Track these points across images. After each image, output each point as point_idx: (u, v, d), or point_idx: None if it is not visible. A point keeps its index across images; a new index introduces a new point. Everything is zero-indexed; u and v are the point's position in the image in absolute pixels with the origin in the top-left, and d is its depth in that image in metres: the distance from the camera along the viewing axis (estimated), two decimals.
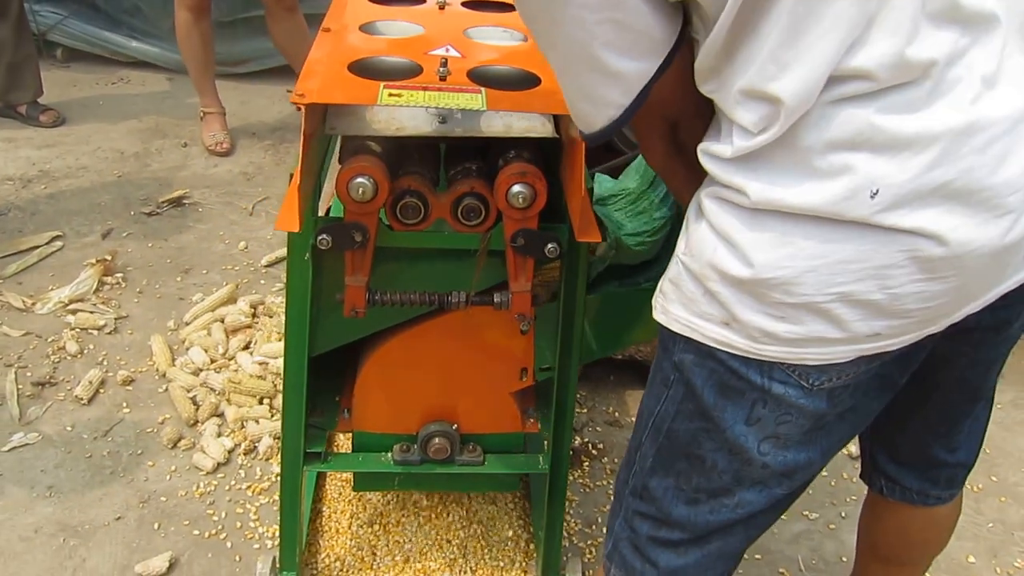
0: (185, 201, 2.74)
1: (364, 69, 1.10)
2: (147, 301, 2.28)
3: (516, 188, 1.05)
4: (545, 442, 1.40)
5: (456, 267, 1.17)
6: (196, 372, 2.00)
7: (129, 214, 2.66)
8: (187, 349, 2.08)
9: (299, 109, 0.99)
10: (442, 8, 1.38)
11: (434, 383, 1.33)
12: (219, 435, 1.85)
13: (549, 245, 1.09)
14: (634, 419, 2.04)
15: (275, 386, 1.95)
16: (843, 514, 1.86)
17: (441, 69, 1.08)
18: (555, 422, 1.33)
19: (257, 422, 1.87)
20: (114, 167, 2.92)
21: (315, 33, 1.28)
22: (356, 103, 1.00)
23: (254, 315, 2.16)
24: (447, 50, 1.17)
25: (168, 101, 3.42)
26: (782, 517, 1.83)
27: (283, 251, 2.49)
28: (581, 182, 0.98)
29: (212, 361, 2.03)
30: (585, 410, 2.01)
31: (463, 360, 1.30)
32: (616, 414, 2.03)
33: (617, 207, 1.30)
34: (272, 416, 1.89)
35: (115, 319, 2.18)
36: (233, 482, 1.78)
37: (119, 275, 2.35)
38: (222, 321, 2.15)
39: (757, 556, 1.72)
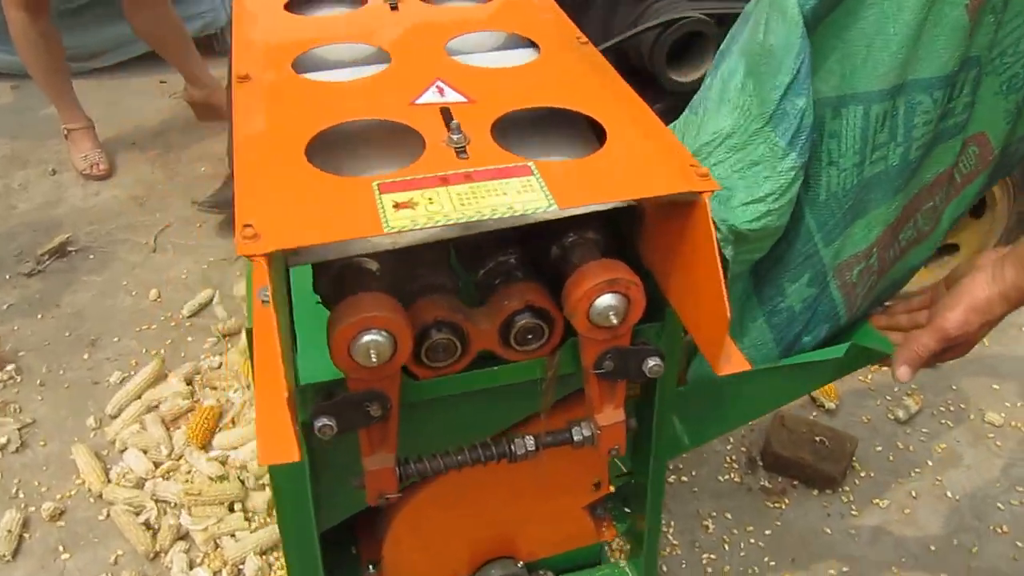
0: (70, 248, 2.22)
1: (333, 153, 0.69)
2: (53, 395, 1.81)
3: (604, 302, 0.69)
4: (626, 548, 1.10)
5: (513, 399, 0.82)
6: (139, 484, 1.59)
7: (5, 278, 2.13)
8: (121, 452, 1.66)
9: (250, 259, 0.60)
10: (395, 8, 0.95)
11: (487, 518, 0.99)
12: (191, 566, 1.47)
13: (651, 364, 0.75)
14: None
15: (244, 484, 1.56)
16: (913, 493, 1.65)
17: (454, 136, 0.69)
18: (648, 535, 1.02)
19: (234, 537, 1.50)
20: None
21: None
22: (348, 238, 0.61)
23: (193, 393, 1.74)
24: (440, 91, 0.77)
25: (20, 117, 2.79)
26: (852, 512, 1.62)
27: (206, 294, 2.06)
28: (720, 291, 0.63)
29: (156, 466, 1.61)
30: None
31: (522, 487, 0.96)
32: None
33: (715, 161, 0.87)
34: (251, 526, 1.51)
35: (19, 430, 1.72)
36: None
37: (10, 367, 1.86)
38: (157, 408, 1.72)
39: (845, 569, 1.50)
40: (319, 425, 0.70)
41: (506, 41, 0.91)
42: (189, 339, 1.94)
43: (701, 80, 1.33)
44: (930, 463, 1.72)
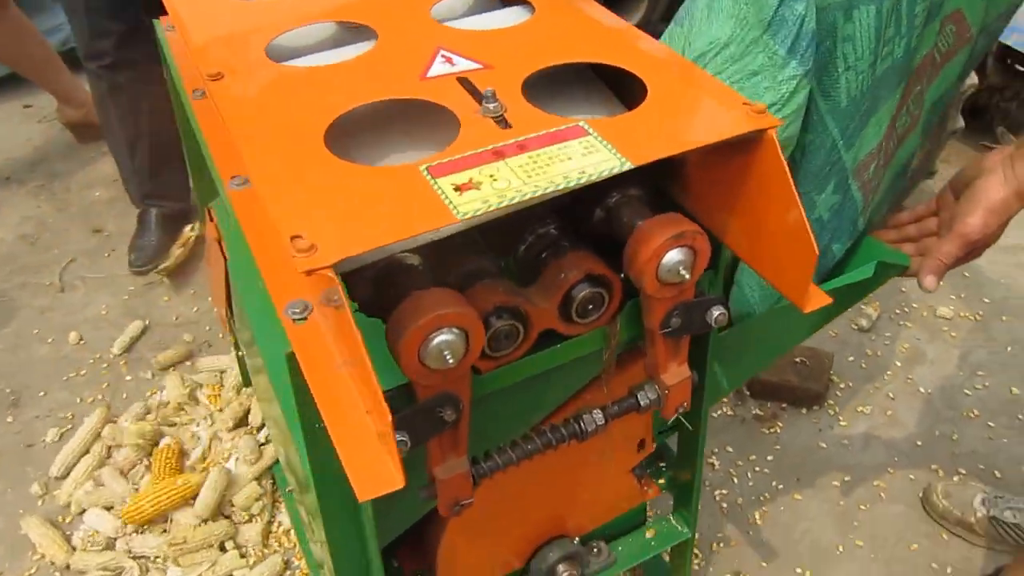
0: None
1: (351, 144, 0.63)
2: None
3: (673, 258, 0.67)
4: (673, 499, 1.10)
5: (569, 374, 0.79)
6: (110, 545, 1.47)
7: None
8: (80, 515, 1.52)
9: (308, 274, 0.54)
10: None
11: (539, 501, 0.96)
12: None
13: (716, 314, 0.73)
14: None
15: (231, 519, 1.47)
16: (890, 395, 1.74)
17: (490, 106, 0.64)
18: (694, 483, 1.03)
19: None
20: None
21: None
22: (417, 233, 0.55)
23: (149, 435, 1.61)
24: (448, 60, 0.72)
25: None
26: (841, 423, 1.69)
27: (136, 325, 1.91)
28: (803, 226, 0.61)
29: (126, 521, 1.49)
30: None
31: (571, 461, 0.93)
32: None
33: (712, 73, 0.82)
34: (249, 561, 1.43)
35: None
36: None
37: None
38: (110, 459, 1.59)
39: (847, 478, 1.56)
40: (396, 441, 0.64)
41: (491, 1, 0.86)
42: (128, 378, 1.80)
43: (640, 23, 1.32)
44: (898, 364, 1.82)
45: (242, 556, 1.44)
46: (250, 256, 1.05)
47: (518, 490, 0.92)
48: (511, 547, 0.98)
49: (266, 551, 1.46)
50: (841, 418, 1.69)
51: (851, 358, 1.83)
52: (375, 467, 0.54)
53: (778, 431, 1.67)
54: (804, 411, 1.71)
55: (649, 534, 1.09)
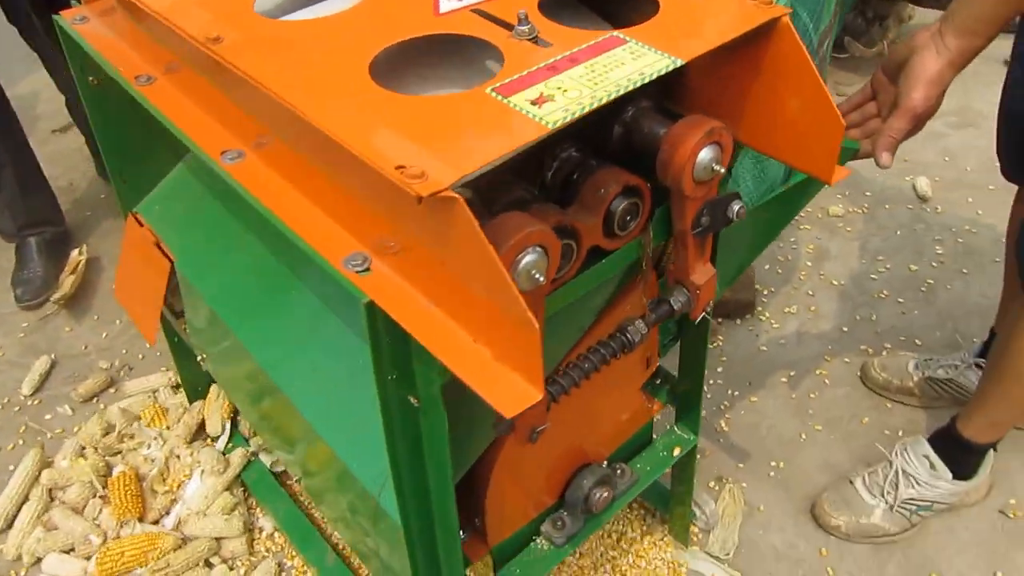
0: None
1: (394, 83, 0.63)
2: None
3: (707, 155, 0.71)
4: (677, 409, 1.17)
5: (603, 288, 0.82)
6: None
7: None
8: (35, 564, 1.41)
9: (419, 200, 0.54)
10: None
11: (570, 432, 1.00)
12: None
13: (736, 207, 0.79)
14: None
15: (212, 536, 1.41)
16: (809, 292, 1.90)
17: (523, 28, 0.66)
18: (697, 390, 1.10)
19: None
20: None
21: None
22: (517, 147, 0.56)
23: (96, 469, 1.51)
24: None
25: None
26: (774, 325, 1.84)
27: (43, 361, 1.76)
28: (827, 100, 0.67)
29: (89, 559, 1.40)
30: None
31: (595, 390, 0.97)
32: None
33: None
34: (241, 572, 1.38)
35: None
36: None
37: None
38: (55, 501, 1.47)
39: (792, 373, 1.70)
40: None
41: None
42: (47, 417, 1.66)
43: None
44: (809, 264, 1.99)
45: (231, 569, 1.39)
46: (227, 239, 1.01)
47: (555, 421, 0.95)
48: (546, 483, 1.02)
49: (254, 559, 1.41)
50: (773, 321, 1.83)
51: (767, 266, 1.98)
52: (507, 387, 0.56)
53: (720, 344, 1.79)
54: (738, 321, 1.83)
55: (662, 452, 1.15)
